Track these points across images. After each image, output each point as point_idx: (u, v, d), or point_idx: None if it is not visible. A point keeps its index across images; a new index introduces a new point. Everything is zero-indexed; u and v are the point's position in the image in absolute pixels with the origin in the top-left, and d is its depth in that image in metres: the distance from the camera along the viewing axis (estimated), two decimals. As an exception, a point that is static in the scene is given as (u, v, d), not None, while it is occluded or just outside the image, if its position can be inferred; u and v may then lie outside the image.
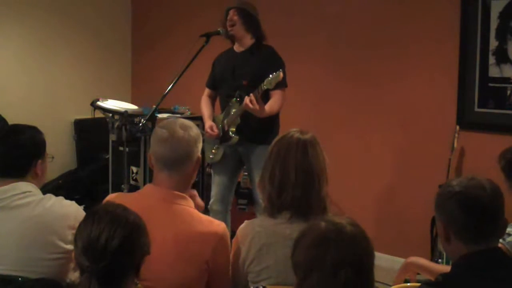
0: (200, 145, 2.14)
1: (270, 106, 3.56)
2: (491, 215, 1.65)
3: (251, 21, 3.74)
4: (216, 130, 3.79)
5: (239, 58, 3.77)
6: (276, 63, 3.69)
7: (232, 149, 3.80)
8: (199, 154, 2.14)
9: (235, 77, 3.74)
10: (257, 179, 3.62)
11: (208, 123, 3.86)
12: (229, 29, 3.73)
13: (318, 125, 3.88)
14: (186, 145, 2.08)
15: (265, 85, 3.40)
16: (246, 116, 3.62)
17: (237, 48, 3.82)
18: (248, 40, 3.76)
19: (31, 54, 5.22)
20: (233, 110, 3.70)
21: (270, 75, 3.40)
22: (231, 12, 3.73)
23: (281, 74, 3.38)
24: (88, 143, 5.45)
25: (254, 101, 3.41)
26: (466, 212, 1.64)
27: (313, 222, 1.53)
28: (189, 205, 2.09)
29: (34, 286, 1.58)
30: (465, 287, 1.61)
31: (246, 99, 3.43)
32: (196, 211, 2.10)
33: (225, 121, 3.76)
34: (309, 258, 1.44)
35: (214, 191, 3.90)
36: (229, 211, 3.95)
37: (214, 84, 3.95)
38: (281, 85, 3.55)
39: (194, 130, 2.13)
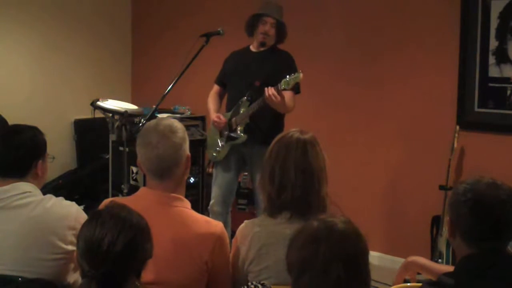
0: (187, 144, 2.10)
1: (288, 99, 3.53)
2: (502, 225, 1.63)
3: (284, 34, 3.77)
4: (223, 118, 3.77)
5: (255, 57, 3.78)
6: (292, 69, 3.68)
7: (235, 149, 3.79)
8: (187, 152, 2.11)
9: (248, 74, 3.73)
10: (258, 180, 3.63)
11: (214, 113, 3.85)
12: (262, 37, 3.71)
13: (318, 125, 3.88)
14: (173, 153, 2.05)
15: (282, 85, 3.39)
16: (255, 116, 3.62)
17: (254, 47, 3.82)
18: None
19: (31, 54, 5.21)
20: (243, 109, 3.69)
21: (288, 76, 3.39)
22: (269, 23, 3.70)
23: (301, 76, 3.37)
24: (88, 143, 5.44)
25: (276, 94, 3.40)
26: (476, 220, 1.63)
27: (306, 222, 1.53)
28: (185, 206, 2.08)
29: (29, 287, 1.58)
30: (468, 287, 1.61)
31: (268, 92, 3.40)
32: (193, 212, 2.09)
33: (234, 120, 3.74)
34: (301, 257, 1.44)
35: (216, 192, 3.86)
36: (230, 212, 3.93)
37: (224, 80, 3.94)
38: (296, 88, 3.57)
39: (179, 132, 2.08)
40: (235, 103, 3.77)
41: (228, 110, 3.86)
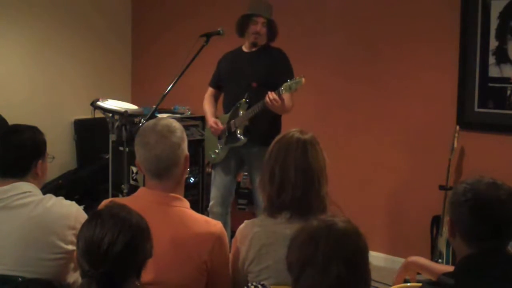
0: (185, 144, 2.10)
1: (287, 101, 3.52)
2: (502, 225, 1.63)
3: (275, 32, 3.76)
4: (220, 125, 3.77)
5: (249, 57, 3.77)
6: (286, 66, 3.68)
7: (233, 150, 3.79)
8: (186, 152, 2.10)
9: (243, 76, 3.72)
10: (258, 180, 3.62)
11: (212, 119, 3.84)
12: (254, 37, 3.71)
13: (318, 126, 3.89)
14: (171, 153, 2.04)
15: (283, 89, 3.38)
16: (254, 119, 3.62)
17: (246, 48, 3.82)
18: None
19: (31, 54, 5.21)
20: (242, 111, 3.69)
21: (289, 80, 3.38)
22: (260, 23, 3.69)
23: (303, 80, 3.35)
24: (88, 143, 5.45)
25: (277, 98, 3.40)
26: (476, 220, 1.63)
27: (306, 222, 1.53)
28: (184, 206, 2.08)
29: (28, 286, 1.58)
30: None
31: (269, 96, 3.39)
32: (192, 212, 2.08)
33: (233, 122, 3.74)
34: (301, 256, 1.44)
35: (215, 193, 3.86)
36: (229, 212, 3.93)
37: (218, 83, 3.94)
38: None
39: (177, 132, 2.08)
40: (232, 105, 3.76)
41: (225, 112, 3.85)
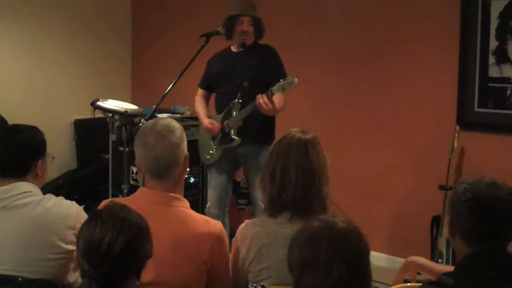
0: (185, 143, 2.10)
1: (278, 103, 3.51)
2: (502, 225, 1.63)
3: (262, 30, 3.75)
4: (216, 124, 3.76)
5: (238, 57, 3.76)
6: (276, 62, 3.69)
7: (228, 150, 3.78)
8: (185, 152, 2.10)
9: (235, 76, 3.72)
10: (254, 180, 3.63)
11: (206, 120, 3.83)
12: (242, 38, 3.70)
13: (318, 126, 3.88)
14: (171, 153, 2.04)
15: (276, 89, 3.36)
16: (248, 118, 3.62)
17: (235, 48, 3.82)
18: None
19: (31, 54, 5.21)
20: (235, 112, 3.69)
21: (282, 80, 3.36)
22: (246, 22, 3.68)
23: (296, 80, 3.34)
24: (88, 143, 5.45)
25: (268, 102, 3.40)
26: (476, 220, 1.63)
27: (307, 222, 1.54)
28: (184, 206, 2.08)
29: (29, 287, 1.58)
30: None
31: (259, 100, 3.38)
32: (191, 212, 2.08)
33: (226, 122, 3.73)
34: (303, 257, 1.44)
35: (211, 194, 3.85)
36: (227, 213, 3.92)
37: (209, 84, 3.93)
38: None
39: (176, 132, 2.07)
40: (225, 105, 3.75)
41: (218, 112, 3.84)
